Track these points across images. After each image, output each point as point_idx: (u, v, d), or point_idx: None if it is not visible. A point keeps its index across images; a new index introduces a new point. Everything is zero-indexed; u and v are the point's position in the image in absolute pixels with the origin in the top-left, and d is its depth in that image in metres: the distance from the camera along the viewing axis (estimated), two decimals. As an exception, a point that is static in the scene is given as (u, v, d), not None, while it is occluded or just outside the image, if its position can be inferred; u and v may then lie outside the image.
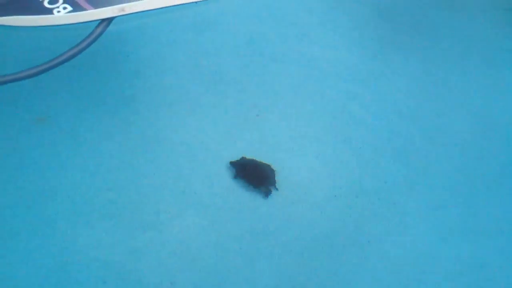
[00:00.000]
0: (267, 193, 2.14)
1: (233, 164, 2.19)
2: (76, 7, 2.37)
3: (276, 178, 2.20)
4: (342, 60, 2.64)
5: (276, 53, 2.63)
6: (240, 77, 2.50)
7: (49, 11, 2.34)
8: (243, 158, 2.20)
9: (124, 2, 2.43)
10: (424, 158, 2.38)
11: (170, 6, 2.56)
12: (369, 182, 2.31)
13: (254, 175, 2.18)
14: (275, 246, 2.17)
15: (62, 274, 1.97)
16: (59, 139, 2.27)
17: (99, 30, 2.40)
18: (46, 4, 2.36)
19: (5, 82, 2.31)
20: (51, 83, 2.40)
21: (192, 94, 2.44)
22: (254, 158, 2.23)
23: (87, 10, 2.37)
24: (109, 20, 2.44)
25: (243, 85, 2.48)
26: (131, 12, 2.44)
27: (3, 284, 1.91)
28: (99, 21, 2.42)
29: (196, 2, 2.60)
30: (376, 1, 2.92)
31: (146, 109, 2.37)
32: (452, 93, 2.60)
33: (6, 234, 2.03)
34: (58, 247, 2.00)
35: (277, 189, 2.14)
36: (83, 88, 2.42)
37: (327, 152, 2.35)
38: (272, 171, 2.19)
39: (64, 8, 2.36)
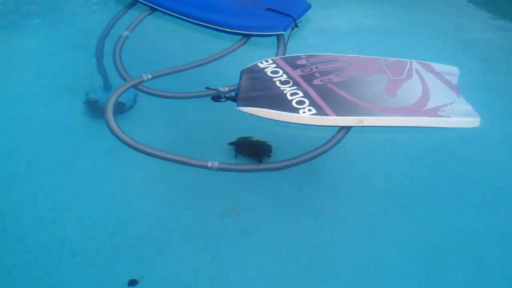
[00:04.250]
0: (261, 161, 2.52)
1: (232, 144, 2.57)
2: (320, 111, 2.52)
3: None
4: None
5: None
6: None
7: (296, 110, 2.52)
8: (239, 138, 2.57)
9: (364, 115, 2.52)
10: None
11: (405, 127, 2.57)
12: None
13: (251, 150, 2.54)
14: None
15: None
16: (245, 231, 2.44)
17: (339, 136, 2.51)
18: (294, 103, 2.56)
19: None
20: (251, 176, 2.60)
21: (368, 216, 2.46)
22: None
23: (329, 116, 2.51)
24: (348, 128, 2.53)
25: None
26: (368, 125, 2.51)
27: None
28: (339, 127, 2.53)
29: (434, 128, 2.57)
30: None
31: (329, 225, 2.42)
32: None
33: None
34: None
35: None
36: (280, 190, 2.57)
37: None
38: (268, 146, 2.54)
39: (309, 110, 2.53)
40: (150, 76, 2.84)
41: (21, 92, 3.11)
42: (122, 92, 2.74)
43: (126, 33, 3.21)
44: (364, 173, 2.67)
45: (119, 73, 2.92)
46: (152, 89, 2.82)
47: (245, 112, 2.54)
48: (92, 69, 3.21)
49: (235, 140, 2.68)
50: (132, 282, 2.27)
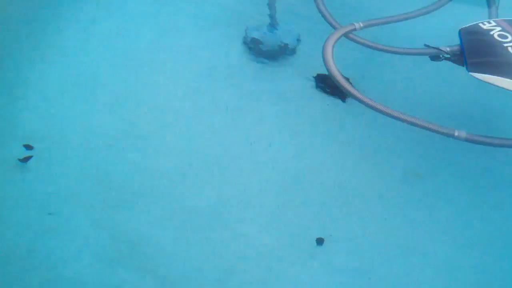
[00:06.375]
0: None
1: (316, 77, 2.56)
2: None
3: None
4: None
5: None
6: None
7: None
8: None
9: None
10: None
11: None
12: None
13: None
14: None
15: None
16: (431, 198, 2.27)
17: None
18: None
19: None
20: (438, 143, 2.38)
21: None
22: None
23: None
24: None
25: None
26: None
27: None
28: None
29: None
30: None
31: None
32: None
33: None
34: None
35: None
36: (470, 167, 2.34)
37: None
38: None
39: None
40: (361, 25, 2.56)
41: (182, 25, 2.86)
42: (335, 41, 2.48)
43: None
44: None
45: (325, 19, 2.64)
46: (365, 39, 2.57)
47: (475, 78, 2.31)
48: (251, 5, 2.95)
49: (316, 75, 2.60)
50: (320, 240, 2.19)
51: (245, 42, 2.78)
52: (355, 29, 2.53)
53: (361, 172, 2.38)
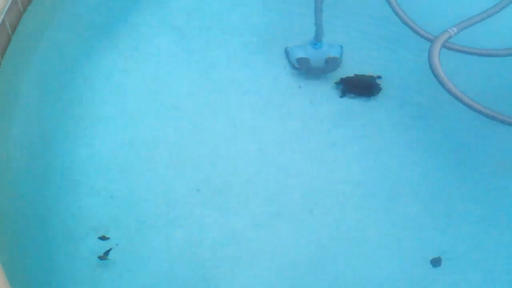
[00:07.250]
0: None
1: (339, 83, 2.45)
2: None
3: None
4: None
5: None
6: None
7: None
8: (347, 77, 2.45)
9: None
10: None
11: None
12: None
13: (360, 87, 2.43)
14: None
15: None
16: None
17: None
18: None
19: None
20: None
21: None
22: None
23: None
24: None
25: None
26: None
27: None
28: None
29: None
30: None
31: None
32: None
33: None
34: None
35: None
36: None
37: None
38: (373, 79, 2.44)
39: None
40: (455, 30, 2.26)
41: (219, 60, 2.59)
42: (439, 54, 2.23)
43: None
44: None
45: (412, 29, 2.40)
46: (459, 46, 2.31)
47: None
48: (283, 26, 2.69)
49: (339, 79, 2.45)
50: (436, 261, 2.01)
51: (290, 64, 2.55)
52: (450, 37, 2.28)
53: (450, 178, 2.22)
